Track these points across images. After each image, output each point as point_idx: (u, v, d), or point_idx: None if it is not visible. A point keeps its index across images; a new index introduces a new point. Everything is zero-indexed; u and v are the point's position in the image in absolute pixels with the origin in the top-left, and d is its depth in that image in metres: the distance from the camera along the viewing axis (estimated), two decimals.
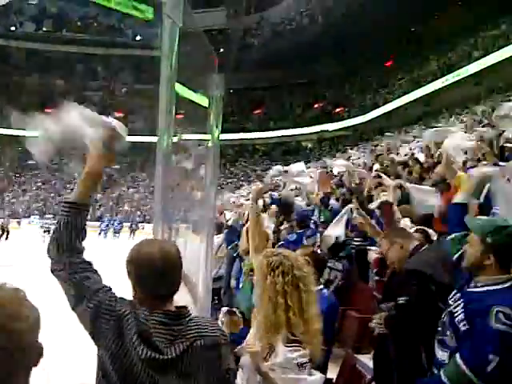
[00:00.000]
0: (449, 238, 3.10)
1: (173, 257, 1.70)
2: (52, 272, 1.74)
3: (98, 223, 35.06)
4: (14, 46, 50.79)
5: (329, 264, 5.16)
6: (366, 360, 4.59)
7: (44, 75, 52.01)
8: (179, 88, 2.63)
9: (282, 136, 48.78)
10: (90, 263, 1.77)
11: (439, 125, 17.35)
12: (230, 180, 44.85)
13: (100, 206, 45.17)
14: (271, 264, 2.24)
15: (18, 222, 38.89)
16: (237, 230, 6.91)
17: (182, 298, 1.77)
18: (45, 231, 27.54)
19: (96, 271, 1.76)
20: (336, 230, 5.63)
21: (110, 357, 1.60)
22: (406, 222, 5.09)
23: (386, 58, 42.57)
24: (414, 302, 2.99)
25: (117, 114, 52.84)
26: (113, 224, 35.69)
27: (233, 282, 6.12)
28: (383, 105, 39.88)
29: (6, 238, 25.76)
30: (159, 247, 1.70)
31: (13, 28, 51.27)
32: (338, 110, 46.10)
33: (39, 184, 47.53)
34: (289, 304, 2.16)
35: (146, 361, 1.59)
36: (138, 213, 42.49)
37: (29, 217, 40.93)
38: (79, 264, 1.73)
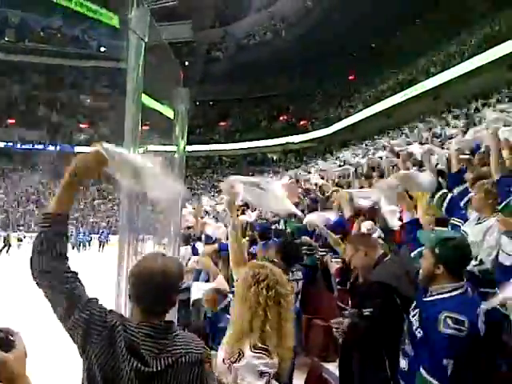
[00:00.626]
0: (412, 254, 3.25)
1: (173, 275, 1.74)
2: (38, 285, 1.71)
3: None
4: None
5: (295, 277, 5.18)
6: (332, 368, 4.62)
7: (6, 86, 50.91)
8: (146, 99, 2.67)
9: (248, 148, 48.97)
10: (76, 273, 1.75)
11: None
12: (196, 191, 44.66)
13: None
14: (257, 276, 2.27)
15: None
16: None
17: None
18: (5, 245, 27.00)
19: (82, 283, 1.74)
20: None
21: (98, 367, 1.62)
22: (366, 226, 5.21)
23: (348, 72, 43.37)
24: (378, 315, 3.02)
25: (83, 126, 52.23)
26: (79, 236, 33.97)
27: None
28: (346, 118, 40.52)
29: None
30: (162, 264, 1.73)
31: None
32: (302, 122, 46.60)
33: (1, 196, 46.28)
34: (268, 317, 2.20)
35: (133, 372, 1.61)
36: (104, 224, 41.75)
37: None
38: (67, 273, 1.71)
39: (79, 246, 32.92)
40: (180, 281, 1.77)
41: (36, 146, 49.22)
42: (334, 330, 3.34)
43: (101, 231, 36.66)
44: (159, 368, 1.64)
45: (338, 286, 5.23)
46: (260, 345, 2.16)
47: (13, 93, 51.52)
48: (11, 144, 48.76)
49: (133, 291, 1.74)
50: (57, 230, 1.72)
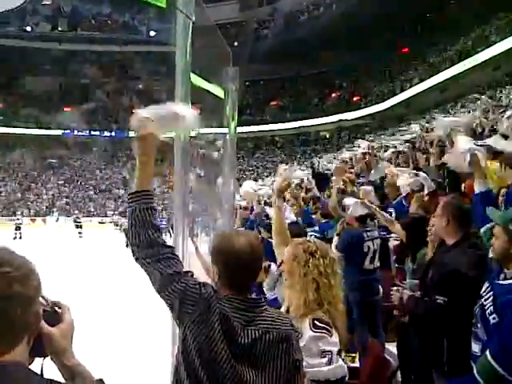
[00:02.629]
0: (482, 230, 3.07)
1: (257, 251, 1.81)
2: (136, 260, 1.82)
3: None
4: (30, 46, 51.29)
5: (372, 236, 5.12)
6: (392, 348, 4.57)
7: (61, 74, 52.62)
8: (197, 81, 2.64)
9: (300, 126, 48.56)
10: (172, 247, 1.86)
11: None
12: (248, 173, 44.83)
13: (122, 201, 45.58)
14: (309, 249, 2.33)
15: (44, 220, 39.54)
16: (256, 221, 6.92)
17: None
18: (77, 226, 28.12)
19: (178, 257, 1.85)
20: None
21: (192, 336, 1.70)
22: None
23: (401, 45, 42.03)
24: (453, 306, 2.91)
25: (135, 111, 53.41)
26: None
27: None
28: (400, 92, 39.40)
29: (20, 238, 25.85)
30: (248, 242, 1.78)
31: (28, 28, 51.89)
32: (355, 98, 45.72)
33: (61, 182, 48.13)
34: (332, 284, 2.28)
35: (225, 342, 1.67)
36: (160, 208, 42.39)
37: (51, 214, 41.39)
38: (163, 247, 1.80)
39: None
40: (262, 255, 1.85)
41: (92, 133, 50.73)
42: (392, 296, 3.31)
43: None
44: (248, 340, 1.70)
45: (396, 265, 5.15)
46: (319, 324, 2.17)
47: (68, 81, 53.18)
48: (68, 131, 50.46)
49: (221, 268, 1.80)
50: (143, 205, 1.81)
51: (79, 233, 27.78)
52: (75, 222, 29.84)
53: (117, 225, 32.56)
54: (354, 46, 42.80)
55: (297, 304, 2.27)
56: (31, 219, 40.40)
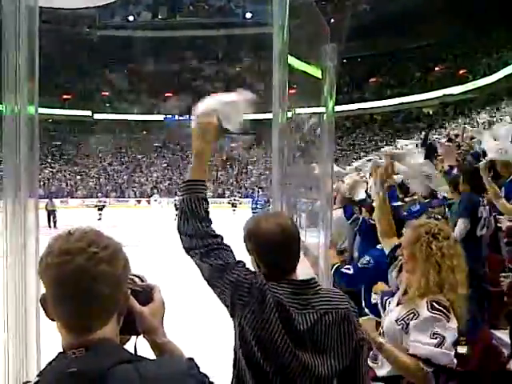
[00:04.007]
0: None
1: (291, 231, 1.72)
2: (186, 251, 1.80)
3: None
4: (133, 35, 53.78)
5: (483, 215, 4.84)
6: (504, 336, 4.32)
7: (162, 61, 54.73)
8: (293, 61, 2.61)
9: (401, 103, 46.77)
10: (221, 237, 1.81)
11: None
12: (347, 152, 44.06)
13: (221, 183, 46.81)
14: (431, 230, 2.29)
15: (148, 202, 41.78)
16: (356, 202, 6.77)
17: (304, 270, 1.78)
18: (177, 209, 29.50)
19: (229, 247, 1.80)
20: None
21: (250, 326, 1.65)
22: None
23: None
24: None
25: None
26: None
27: (356, 254, 6.02)
28: None
29: (99, 219, 27.02)
30: (277, 223, 1.71)
31: (131, 18, 54.50)
32: (461, 71, 43.12)
33: (165, 165, 50.34)
34: (455, 266, 2.22)
35: (284, 329, 1.62)
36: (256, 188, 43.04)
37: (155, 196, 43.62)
38: (212, 237, 1.77)
39: None
40: (297, 234, 1.75)
41: (192, 118, 52.38)
42: (502, 282, 3.26)
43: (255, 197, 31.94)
44: (307, 325, 1.63)
45: (507, 248, 4.86)
46: (437, 305, 2.13)
47: (169, 68, 55.21)
48: (170, 117, 52.45)
49: (256, 254, 1.75)
50: (194, 195, 1.79)
51: (176, 214, 29.01)
52: (176, 205, 31.26)
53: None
54: (459, 17, 40.22)
55: (416, 286, 2.24)
56: (137, 201, 42.98)
